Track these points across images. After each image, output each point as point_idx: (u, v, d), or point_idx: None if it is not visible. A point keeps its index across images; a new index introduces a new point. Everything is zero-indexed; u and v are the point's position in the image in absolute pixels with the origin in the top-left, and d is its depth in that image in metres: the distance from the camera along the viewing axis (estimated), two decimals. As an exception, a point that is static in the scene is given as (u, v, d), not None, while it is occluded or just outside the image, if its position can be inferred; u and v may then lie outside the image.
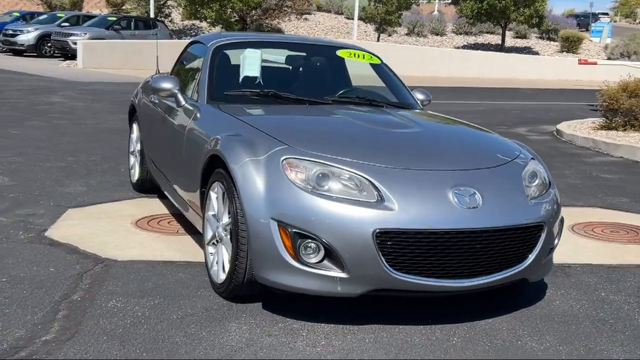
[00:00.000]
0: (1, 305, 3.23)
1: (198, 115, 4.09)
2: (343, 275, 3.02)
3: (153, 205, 5.31)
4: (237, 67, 4.55)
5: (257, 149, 3.28)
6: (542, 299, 3.70)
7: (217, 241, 3.54)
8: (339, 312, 3.32)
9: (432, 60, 24.28)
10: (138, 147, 5.61)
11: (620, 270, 4.28)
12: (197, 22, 29.39)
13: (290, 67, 4.98)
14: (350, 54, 4.86)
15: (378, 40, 28.61)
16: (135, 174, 5.68)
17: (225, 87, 4.39)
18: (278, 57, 5.23)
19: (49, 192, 5.51)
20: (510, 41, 31.19)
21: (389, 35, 30.63)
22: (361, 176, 3.12)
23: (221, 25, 26.67)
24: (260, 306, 3.39)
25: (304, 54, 4.97)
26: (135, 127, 5.73)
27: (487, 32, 32.49)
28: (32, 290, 3.44)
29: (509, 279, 3.25)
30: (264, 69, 4.60)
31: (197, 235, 4.46)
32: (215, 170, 3.55)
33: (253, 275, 3.23)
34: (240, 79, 4.50)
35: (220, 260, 3.48)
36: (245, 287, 3.30)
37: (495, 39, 31.64)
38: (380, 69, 4.95)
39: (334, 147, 3.33)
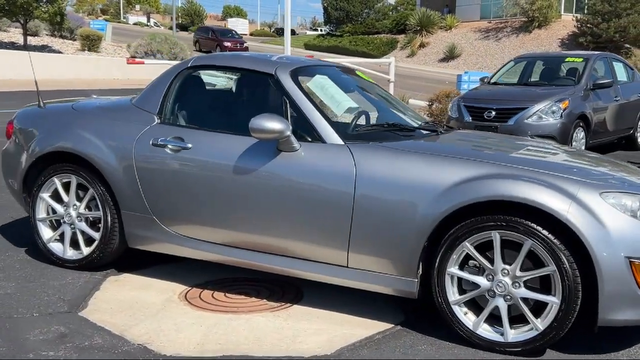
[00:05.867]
0: None
1: (358, 160, 3.42)
2: None
3: (154, 283, 4.06)
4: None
5: (560, 188, 3.12)
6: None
7: (494, 295, 3.21)
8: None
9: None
10: (82, 210, 4.12)
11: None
12: None
13: None
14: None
15: None
16: (78, 248, 4.16)
17: (344, 122, 3.76)
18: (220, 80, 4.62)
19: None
20: (20, 38, 29.20)
21: None
22: None
23: None
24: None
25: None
26: (58, 182, 4.16)
27: (-10, 29, 29.71)
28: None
29: None
30: None
31: (301, 303, 3.77)
32: (481, 217, 3.18)
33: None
34: (342, 111, 3.87)
35: (505, 318, 3.19)
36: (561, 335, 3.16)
37: (6, 37, 29.23)
38: None
39: (573, 174, 3.33)
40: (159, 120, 3.99)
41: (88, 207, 4.13)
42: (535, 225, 3.08)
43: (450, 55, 37.99)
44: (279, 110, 3.68)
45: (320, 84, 3.94)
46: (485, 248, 3.24)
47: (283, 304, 3.77)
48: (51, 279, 3.99)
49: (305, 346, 3.22)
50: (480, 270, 3.26)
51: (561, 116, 8.95)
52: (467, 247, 3.22)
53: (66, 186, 4.17)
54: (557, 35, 37.44)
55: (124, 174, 3.93)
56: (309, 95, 3.74)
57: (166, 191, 3.85)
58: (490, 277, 3.21)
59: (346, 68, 4.64)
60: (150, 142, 3.88)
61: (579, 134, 9.33)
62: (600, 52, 11.48)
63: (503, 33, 39.75)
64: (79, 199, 4.14)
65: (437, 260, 3.29)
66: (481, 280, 3.23)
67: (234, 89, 4.26)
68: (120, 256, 4.22)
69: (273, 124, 3.44)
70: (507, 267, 3.18)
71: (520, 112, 9.03)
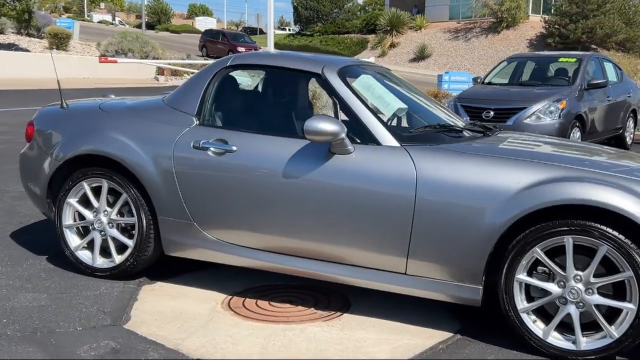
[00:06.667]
0: None
1: (419, 163, 3.29)
2: None
3: (191, 292, 3.87)
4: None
5: (635, 192, 3.03)
6: None
7: (566, 302, 3.10)
8: None
9: None
10: (114, 216, 3.92)
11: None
12: None
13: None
14: None
15: None
16: (109, 256, 3.96)
17: (397, 123, 3.63)
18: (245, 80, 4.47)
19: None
20: (-14, 36, 28.45)
21: None
22: None
23: None
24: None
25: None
26: (88, 186, 3.94)
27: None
28: None
29: None
30: None
31: (351, 312, 3.63)
32: (554, 221, 3.06)
33: None
34: (391, 112, 3.73)
35: (577, 326, 3.09)
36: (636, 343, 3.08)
37: (-29, 35, 28.45)
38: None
39: None
40: (197, 122, 3.81)
41: (120, 212, 3.92)
42: (611, 230, 2.99)
43: (421, 56, 38.18)
44: (327, 111, 3.53)
45: (367, 84, 3.79)
46: (553, 253, 3.14)
47: (333, 312, 3.62)
48: (84, 289, 3.78)
49: (370, 358, 3.08)
50: (550, 277, 3.15)
51: (559, 116, 8.97)
52: (538, 252, 3.11)
53: (95, 191, 3.96)
54: (525, 35, 37.87)
55: (162, 178, 3.74)
56: (359, 95, 3.60)
57: (208, 196, 3.67)
58: (562, 283, 3.11)
59: (380, 67, 4.49)
60: (191, 145, 3.70)
61: (576, 134, 9.37)
62: (592, 52, 11.54)
63: (472, 33, 40.08)
64: (109, 205, 3.93)
65: (505, 267, 3.18)
66: (552, 287, 3.13)
67: (276, 89, 4.09)
68: (152, 264, 4.02)
69: (328, 125, 3.29)
70: (580, 273, 3.08)
71: (518, 112, 9.02)
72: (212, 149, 3.66)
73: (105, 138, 3.88)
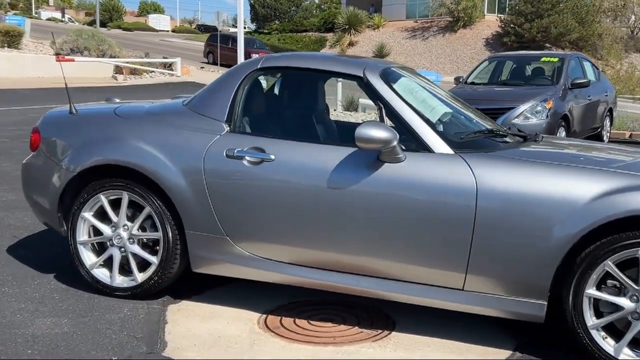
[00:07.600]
0: None
1: (478, 172, 3.08)
2: None
3: (221, 311, 3.60)
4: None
5: None
6: None
7: (639, 318, 2.95)
8: None
9: None
10: (135, 231, 3.61)
11: None
12: None
13: None
14: None
15: None
16: (128, 274, 3.66)
17: (446, 128, 3.43)
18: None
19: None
20: None
21: None
22: None
23: None
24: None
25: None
26: (105, 199, 3.63)
27: None
28: None
29: None
30: None
31: (399, 330, 3.41)
32: (626, 233, 2.90)
33: None
34: (437, 117, 3.52)
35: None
36: None
37: None
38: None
39: None
40: (228, 129, 3.53)
41: (142, 227, 3.62)
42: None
43: (380, 54, 38.20)
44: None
45: (409, 87, 3.57)
46: (622, 266, 2.97)
47: (380, 331, 3.39)
48: (106, 312, 3.46)
49: (441, 383, 2.87)
50: (620, 291, 2.99)
51: (547, 116, 8.91)
52: (610, 266, 2.95)
53: (113, 204, 3.64)
54: (481, 34, 38.31)
55: (192, 189, 3.45)
56: (405, 99, 3.38)
57: (243, 208, 3.40)
58: (635, 298, 2.94)
59: (408, 68, 4.27)
60: (224, 154, 3.42)
61: (561, 134, 9.33)
62: (573, 52, 11.59)
63: (430, 32, 40.35)
64: (129, 219, 3.62)
65: (574, 281, 3.00)
66: (625, 302, 2.96)
67: (312, 93, 3.83)
68: (175, 282, 3.73)
69: (380, 132, 3.07)
70: (653, 286, 2.92)
71: (506, 112, 8.92)
72: (247, 157, 3.39)
73: (127, 147, 3.57)
